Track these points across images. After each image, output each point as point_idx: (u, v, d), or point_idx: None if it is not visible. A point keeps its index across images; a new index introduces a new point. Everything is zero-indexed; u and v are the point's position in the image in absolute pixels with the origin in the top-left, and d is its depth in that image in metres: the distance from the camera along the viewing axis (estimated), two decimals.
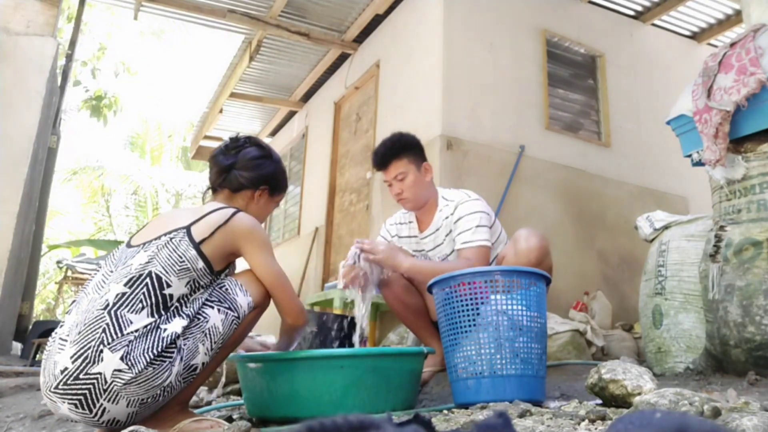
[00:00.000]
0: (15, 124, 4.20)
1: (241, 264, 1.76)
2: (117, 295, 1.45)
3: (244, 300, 1.59)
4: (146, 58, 14.57)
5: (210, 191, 1.85)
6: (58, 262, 10.88)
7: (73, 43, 5.59)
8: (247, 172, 1.78)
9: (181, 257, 1.51)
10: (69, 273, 10.40)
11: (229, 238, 1.60)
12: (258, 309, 1.65)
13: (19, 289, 4.93)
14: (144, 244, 1.56)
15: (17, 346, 5.04)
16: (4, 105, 4.21)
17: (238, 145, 1.82)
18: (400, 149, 2.47)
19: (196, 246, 1.54)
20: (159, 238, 1.55)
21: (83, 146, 16.24)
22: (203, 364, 1.52)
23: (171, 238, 1.54)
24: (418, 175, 2.47)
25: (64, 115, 7.46)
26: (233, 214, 1.62)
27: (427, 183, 2.52)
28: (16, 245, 4.17)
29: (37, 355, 4.70)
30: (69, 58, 5.60)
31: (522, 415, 1.39)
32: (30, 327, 5.11)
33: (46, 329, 4.84)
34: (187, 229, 1.56)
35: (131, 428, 1.39)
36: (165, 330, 1.43)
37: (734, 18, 5.42)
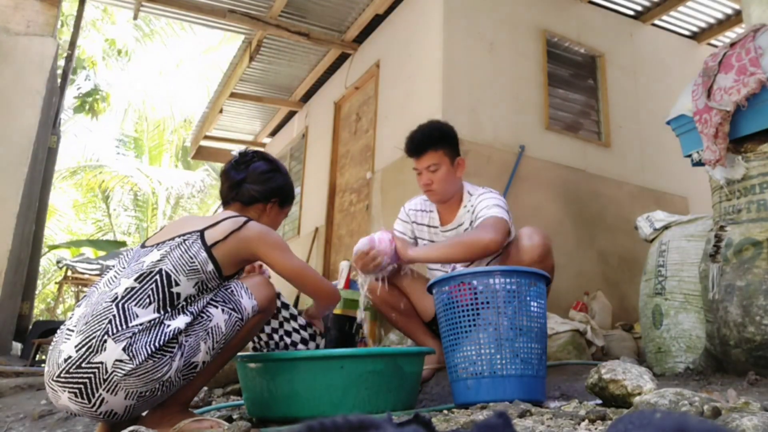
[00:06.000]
0: (15, 124, 4.20)
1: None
2: (126, 289, 1.49)
3: (248, 303, 1.61)
4: (144, 56, 14.55)
5: (222, 204, 1.93)
6: (58, 262, 10.87)
7: (73, 44, 5.59)
8: (258, 185, 1.86)
9: (192, 258, 1.56)
10: (69, 273, 10.40)
11: (243, 244, 1.65)
12: (262, 314, 1.67)
13: (19, 289, 4.93)
14: (158, 244, 1.61)
15: (17, 346, 5.04)
16: (4, 105, 4.21)
17: (247, 159, 1.90)
18: (438, 139, 2.39)
19: (208, 249, 1.59)
20: (173, 239, 1.60)
21: (82, 146, 16.25)
22: (204, 363, 1.53)
23: (184, 240, 1.59)
24: (451, 169, 2.40)
25: (64, 115, 7.46)
26: (246, 222, 1.68)
27: (457, 178, 2.45)
28: (16, 245, 4.17)
29: (37, 355, 4.70)
30: (69, 58, 5.60)
31: (522, 415, 1.39)
32: (30, 327, 5.11)
33: (46, 329, 4.84)
34: (201, 233, 1.62)
35: (131, 428, 1.39)
36: (168, 325, 1.47)
37: (734, 18, 5.42)
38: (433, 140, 2.39)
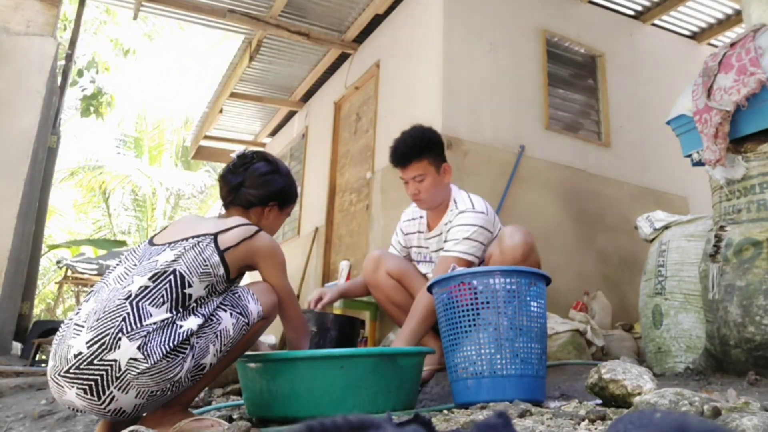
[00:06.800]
0: (15, 124, 4.20)
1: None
2: (140, 287, 1.49)
3: (254, 308, 1.64)
4: (144, 57, 14.57)
5: (224, 207, 1.92)
6: (58, 261, 10.87)
7: (73, 43, 5.59)
8: (256, 189, 1.85)
9: (205, 261, 1.58)
10: (69, 273, 10.40)
11: (250, 253, 1.67)
12: (265, 320, 1.69)
13: (19, 289, 4.93)
14: (170, 243, 1.61)
15: (17, 346, 5.03)
16: (4, 105, 4.21)
17: (245, 162, 1.88)
18: (421, 149, 2.38)
19: (221, 253, 1.61)
20: (187, 239, 1.61)
21: (82, 146, 16.25)
22: (211, 365, 1.54)
23: (198, 242, 1.60)
24: (437, 177, 2.40)
25: (64, 115, 7.46)
26: (256, 232, 1.70)
27: (445, 184, 2.46)
28: (16, 245, 4.17)
29: (37, 355, 4.70)
30: (69, 58, 5.60)
31: (522, 415, 1.39)
32: (30, 327, 5.11)
33: (46, 329, 4.85)
34: (215, 236, 1.63)
35: (131, 428, 1.39)
36: (181, 326, 1.47)
37: (734, 18, 5.42)
38: (416, 151, 2.38)
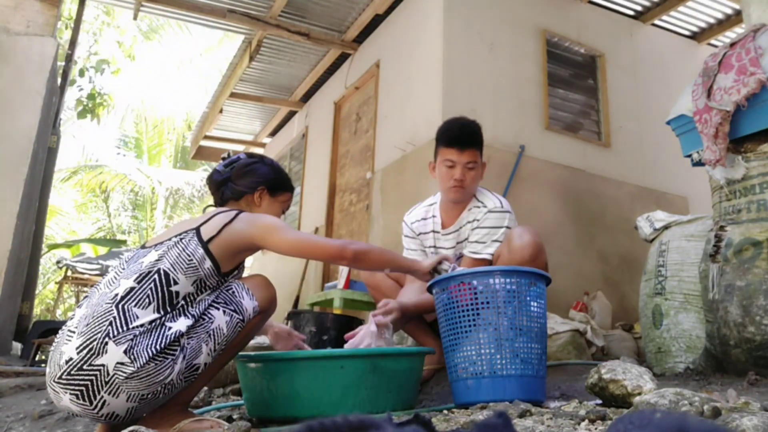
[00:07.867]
0: (15, 124, 4.20)
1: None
2: (126, 289, 1.49)
3: (249, 304, 1.62)
4: (144, 56, 14.58)
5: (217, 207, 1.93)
6: (58, 261, 10.86)
7: (73, 43, 5.59)
8: (242, 179, 1.88)
9: (189, 256, 1.56)
10: (69, 273, 10.40)
11: (238, 236, 1.64)
12: (263, 314, 1.67)
13: (19, 289, 4.93)
14: (156, 244, 1.62)
15: (17, 346, 5.04)
16: (4, 105, 4.21)
17: (230, 161, 1.94)
18: (480, 137, 2.35)
19: (204, 245, 1.59)
20: (170, 239, 1.61)
21: (82, 146, 16.26)
22: (205, 364, 1.53)
23: (181, 239, 1.60)
24: (480, 171, 2.39)
25: (63, 115, 7.45)
26: (237, 214, 1.68)
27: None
28: (16, 245, 4.17)
29: (37, 355, 4.70)
30: (69, 58, 5.60)
31: (522, 415, 1.39)
32: (30, 327, 5.11)
33: (46, 329, 4.85)
34: (197, 230, 1.62)
35: (131, 428, 1.39)
36: (170, 328, 1.46)
37: (734, 18, 5.42)
38: (478, 137, 2.34)
